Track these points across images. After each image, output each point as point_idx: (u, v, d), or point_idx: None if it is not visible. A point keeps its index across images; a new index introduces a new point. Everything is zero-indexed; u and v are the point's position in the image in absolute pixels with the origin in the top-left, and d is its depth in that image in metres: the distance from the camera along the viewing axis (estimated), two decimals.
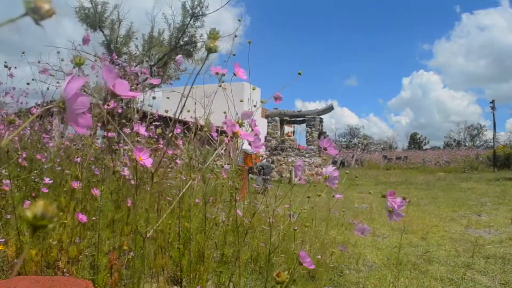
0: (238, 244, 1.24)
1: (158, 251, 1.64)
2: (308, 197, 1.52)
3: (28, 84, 2.13)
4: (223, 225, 1.82)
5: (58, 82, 2.20)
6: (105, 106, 1.88)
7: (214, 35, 0.58)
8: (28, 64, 2.35)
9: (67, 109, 0.35)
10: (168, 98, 1.69)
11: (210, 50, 0.57)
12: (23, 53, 2.54)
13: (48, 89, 2.29)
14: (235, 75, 0.84)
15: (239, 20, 2.19)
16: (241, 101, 1.38)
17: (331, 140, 0.88)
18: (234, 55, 1.29)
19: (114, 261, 1.44)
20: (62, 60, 2.38)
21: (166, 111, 1.85)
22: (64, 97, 0.35)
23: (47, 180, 1.64)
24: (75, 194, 1.81)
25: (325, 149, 0.87)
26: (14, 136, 2.04)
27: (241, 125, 0.77)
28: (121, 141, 2.35)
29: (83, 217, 1.41)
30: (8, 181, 1.65)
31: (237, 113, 1.42)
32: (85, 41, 1.18)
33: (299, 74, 1.17)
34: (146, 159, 0.62)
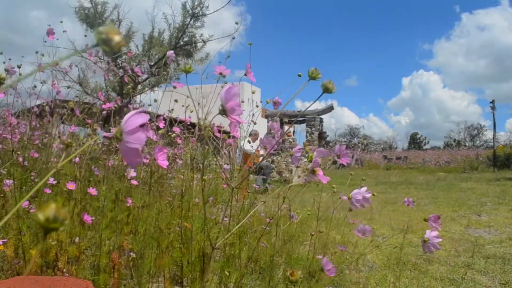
0: (240, 244, 1.24)
1: (159, 251, 1.64)
2: (314, 199, 1.51)
3: (34, 87, 2.13)
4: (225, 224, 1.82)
5: (55, 83, 2.20)
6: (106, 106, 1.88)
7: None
8: (29, 64, 2.35)
9: (122, 141, 0.36)
10: (176, 101, 1.69)
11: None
12: (23, 56, 2.54)
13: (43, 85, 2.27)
14: (245, 75, 0.83)
15: (236, 23, 2.19)
16: (242, 101, 1.38)
17: (345, 148, 0.87)
18: (228, 57, 1.30)
19: (116, 261, 1.44)
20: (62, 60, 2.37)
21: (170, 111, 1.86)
22: (123, 129, 0.36)
23: (51, 180, 1.64)
24: (73, 194, 1.81)
25: (338, 156, 0.87)
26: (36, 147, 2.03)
27: (256, 137, 0.75)
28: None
29: (87, 218, 1.40)
30: (8, 181, 1.65)
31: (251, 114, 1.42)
32: (50, 33, 1.20)
33: (299, 75, 1.17)
34: (163, 160, 0.63)
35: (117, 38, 0.32)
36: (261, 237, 1.51)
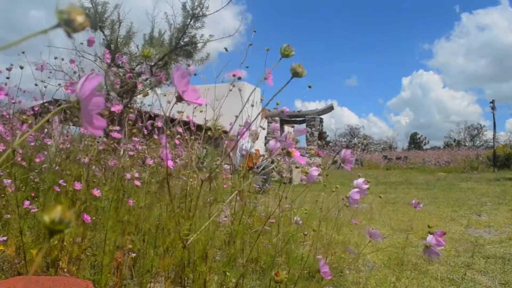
0: (242, 244, 1.24)
1: (161, 251, 1.64)
2: (316, 200, 1.52)
3: (36, 85, 2.12)
4: (228, 224, 1.82)
5: (60, 84, 2.20)
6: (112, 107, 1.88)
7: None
8: (28, 64, 2.34)
9: (81, 110, 0.34)
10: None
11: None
12: (23, 52, 2.52)
13: (46, 87, 2.28)
14: (265, 79, 0.82)
15: (239, 26, 2.18)
16: (252, 105, 1.38)
17: (351, 154, 0.87)
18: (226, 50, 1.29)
19: (119, 260, 1.44)
20: (62, 59, 2.37)
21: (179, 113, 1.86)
22: (79, 97, 0.34)
23: (61, 181, 1.64)
24: (76, 194, 1.81)
25: (343, 161, 0.87)
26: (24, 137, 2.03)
27: (297, 142, 0.74)
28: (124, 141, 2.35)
29: (87, 217, 1.41)
30: (9, 181, 1.65)
31: (248, 116, 1.42)
32: (90, 42, 1.19)
33: (309, 87, 1.18)
34: (168, 160, 0.63)
35: (80, 19, 0.30)
36: (262, 237, 1.51)
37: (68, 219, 0.28)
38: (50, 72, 2.25)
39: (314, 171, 0.95)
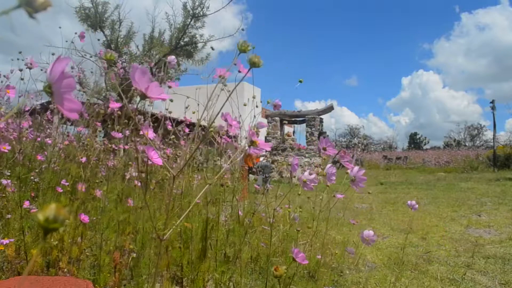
0: (240, 244, 1.24)
1: (160, 251, 1.64)
2: (308, 197, 1.52)
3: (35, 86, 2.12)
4: (226, 224, 1.82)
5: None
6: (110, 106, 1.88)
7: None
8: (27, 64, 2.34)
9: (54, 93, 0.33)
10: (171, 100, 1.69)
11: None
12: (20, 52, 2.50)
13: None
14: (274, 106, 0.84)
15: (242, 29, 2.18)
16: (245, 104, 1.38)
17: (329, 140, 0.87)
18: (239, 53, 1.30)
19: (118, 260, 1.44)
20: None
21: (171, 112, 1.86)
22: (50, 80, 0.33)
23: (63, 181, 1.64)
24: (75, 194, 1.81)
25: (324, 149, 0.87)
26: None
27: (257, 134, 0.74)
28: (123, 141, 2.35)
29: (85, 217, 1.41)
30: (8, 181, 1.65)
31: (240, 115, 1.42)
32: (81, 38, 1.19)
33: (300, 82, 1.18)
34: (156, 158, 0.63)
35: None
36: (262, 237, 1.51)
37: (62, 217, 0.28)
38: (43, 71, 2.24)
39: (313, 182, 0.95)
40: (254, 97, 1.32)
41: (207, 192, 1.90)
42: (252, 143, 0.65)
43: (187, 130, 2.01)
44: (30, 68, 1.87)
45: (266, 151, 0.79)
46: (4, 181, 1.66)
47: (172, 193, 1.81)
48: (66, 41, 2.39)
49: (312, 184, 0.93)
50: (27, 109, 2.39)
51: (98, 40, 6.20)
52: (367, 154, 24.47)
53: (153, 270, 1.47)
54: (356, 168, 0.93)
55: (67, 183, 1.68)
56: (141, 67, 0.48)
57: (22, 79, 1.93)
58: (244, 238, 1.57)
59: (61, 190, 1.64)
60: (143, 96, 0.49)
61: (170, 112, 1.88)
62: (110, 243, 1.61)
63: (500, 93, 59.92)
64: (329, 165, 0.94)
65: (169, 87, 1.31)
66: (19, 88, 2.16)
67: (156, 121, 2.11)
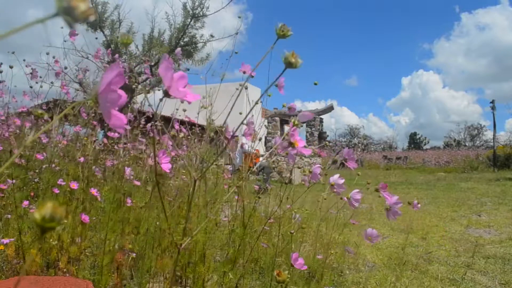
0: (242, 244, 1.24)
1: (160, 251, 1.64)
2: (318, 200, 1.52)
3: (31, 87, 2.12)
4: (228, 225, 1.82)
5: (52, 82, 2.20)
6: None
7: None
8: (26, 63, 2.34)
9: (99, 105, 0.31)
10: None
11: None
12: (13, 52, 2.43)
13: (41, 86, 2.27)
14: (276, 86, 0.80)
15: (239, 18, 2.18)
16: (256, 102, 1.37)
17: (353, 152, 0.87)
18: (236, 53, 1.30)
19: (119, 260, 1.44)
20: (53, 57, 2.36)
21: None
22: (97, 90, 0.30)
23: (60, 181, 1.64)
24: (75, 194, 1.81)
25: (345, 160, 0.86)
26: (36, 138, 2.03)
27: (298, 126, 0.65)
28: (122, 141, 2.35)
29: (85, 217, 1.41)
30: (9, 181, 1.65)
31: (240, 113, 1.42)
32: (72, 34, 1.20)
33: (315, 84, 1.18)
34: (165, 164, 0.59)
35: (82, 6, 0.25)
36: (262, 237, 1.51)
37: (59, 216, 0.28)
38: (42, 74, 2.24)
39: (317, 169, 0.95)
40: (256, 101, 1.31)
41: (207, 192, 1.89)
42: (290, 144, 0.59)
43: (186, 130, 2.01)
44: (31, 73, 1.88)
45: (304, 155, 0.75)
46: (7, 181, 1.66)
47: (193, 197, 1.81)
48: (65, 41, 2.39)
49: (341, 189, 0.92)
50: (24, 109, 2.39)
51: (96, 38, 6.20)
52: (367, 154, 24.47)
53: (153, 270, 1.48)
54: (336, 176, 0.93)
55: (63, 183, 1.67)
56: (168, 59, 0.42)
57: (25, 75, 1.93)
58: (244, 238, 1.56)
59: (57, 191, 1.64)
60: (166, 94, 0.44)
61: (184, 110, 1.86)
62: (110, 243, 1.61)
63: (500, 93, 59.96)
64: (355, 190, 0.94)
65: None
66: (22, 88, 2.16)
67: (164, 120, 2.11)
